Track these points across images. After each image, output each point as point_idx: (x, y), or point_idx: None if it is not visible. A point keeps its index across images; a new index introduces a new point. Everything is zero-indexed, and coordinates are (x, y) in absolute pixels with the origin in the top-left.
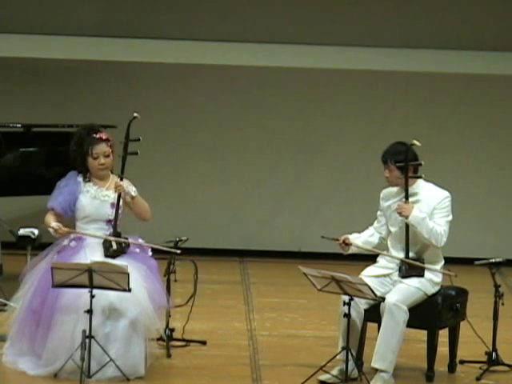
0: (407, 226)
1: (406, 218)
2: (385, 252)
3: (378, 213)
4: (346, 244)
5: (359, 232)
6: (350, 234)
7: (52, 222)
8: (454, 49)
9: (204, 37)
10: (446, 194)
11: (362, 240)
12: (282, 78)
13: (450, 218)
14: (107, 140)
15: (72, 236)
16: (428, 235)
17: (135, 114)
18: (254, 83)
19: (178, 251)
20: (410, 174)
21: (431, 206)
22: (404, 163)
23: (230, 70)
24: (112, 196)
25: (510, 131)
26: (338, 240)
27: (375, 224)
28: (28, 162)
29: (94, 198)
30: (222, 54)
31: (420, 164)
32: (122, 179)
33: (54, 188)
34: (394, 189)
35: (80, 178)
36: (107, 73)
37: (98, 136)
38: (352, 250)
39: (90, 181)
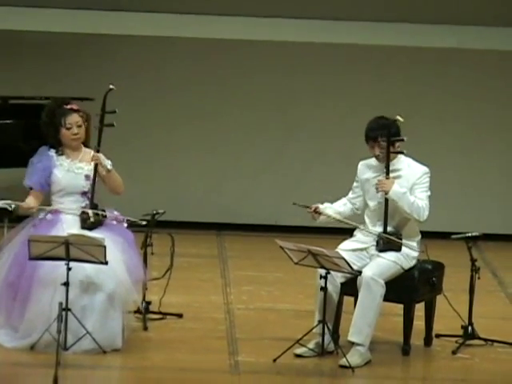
0: (386, 200)
1: (386, 193)
2: (360, 225)
3: (354, 184)
4: (317, 212)
5: (331, 202)
6: (322, 203)
7: (31, 204)
8: (432, 23)
9: (181, 10)
10: (425, 169)
11: (333, 210)
12: (260, 51)
13: (429, 193)
14: (78, 110)
15: (48, 209)
16: (409, 210)
17: (111, 86)
18: (232, 57)
19: (143, 222)
20: (391, 150)
21: (411, 181)
22: (387, 138)
23: (207, 42)
24: (86, 168)
25: (489, 106)
26: (309, 207)
27: (350, 195)
28: (5, 135)
29: (68, 171)
30: (199, 26)
31: (402, 139)
32: (98, 151)
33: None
34: (373, 162)
35: (52, 153)
36: (84, 45)
37: (69, 107)
38: (322, 220)
39: (62, 154)
